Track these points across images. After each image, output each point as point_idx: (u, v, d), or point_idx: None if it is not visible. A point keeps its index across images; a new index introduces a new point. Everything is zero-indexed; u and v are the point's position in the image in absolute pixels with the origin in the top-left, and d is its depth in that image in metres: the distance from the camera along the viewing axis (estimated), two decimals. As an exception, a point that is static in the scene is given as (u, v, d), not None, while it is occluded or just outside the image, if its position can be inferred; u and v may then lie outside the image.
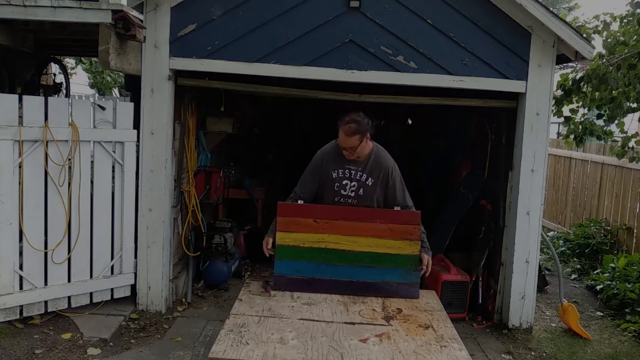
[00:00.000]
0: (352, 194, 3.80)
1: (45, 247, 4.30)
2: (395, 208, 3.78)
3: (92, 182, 4.56)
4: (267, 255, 3.88)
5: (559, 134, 13.50)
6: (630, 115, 6.11)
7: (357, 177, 3.78)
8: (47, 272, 4.32)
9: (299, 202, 3.85)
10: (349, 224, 3.69)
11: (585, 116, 6.34)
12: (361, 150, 3.69)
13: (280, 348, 2.80)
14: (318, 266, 3.62)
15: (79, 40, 5.40)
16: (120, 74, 10.09)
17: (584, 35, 5.08)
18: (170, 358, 4.09)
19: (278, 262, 3.63)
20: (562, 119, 6.27)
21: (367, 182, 3.78)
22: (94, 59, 10.58)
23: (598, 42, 6.14)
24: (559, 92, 6.01)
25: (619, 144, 6.25)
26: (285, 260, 3.64)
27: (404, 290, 3.60)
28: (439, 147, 7.39)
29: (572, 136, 6.39)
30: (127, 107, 4.66)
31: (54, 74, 7.48)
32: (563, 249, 7.68)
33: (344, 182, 3.79)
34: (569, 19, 6.83)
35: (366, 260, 3.64)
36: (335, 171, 3.80)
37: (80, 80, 12.98)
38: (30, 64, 6.41)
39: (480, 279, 5.31)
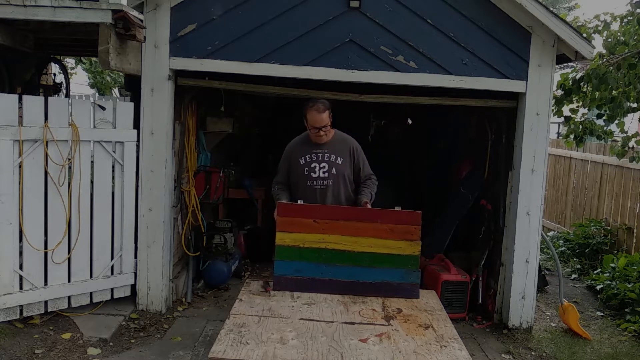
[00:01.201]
0: (325, 175, 4.03)
1: (45, 247, 4.30)
2: (396, 208, 3.77)
3: (92, 182, 4.56)
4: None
5: (559, 134, 13.49)
6: (630, 115, 6.11)
7: (326, 159, 4.05)
8: (47, 272, 4.32)
9: (299, 202, 3.93)
10: (350, 224, 3.69)
11: (585, 116, 6.34)
12: (330, 130, 4.04)
13: (280, 348, 2.80)
14: (318, 266, 3.62)
15: (79, 40, 5.40)
16: (120, 74, 10.09)
17: (584, 35, 5.08)
18: (170, 358, 4.09)
19: (278, 262, 3.64)
20: (562, 119, 6.27)
21: (337, 162, 4.06)
22: (94, 59, 10.58)
23: (598, 42, 6.16)
24: (559, 92, 6.01)
25: (619, 143, 6.25)
26: (285, 260, 3.64)
27: (404, 290, 3.61)
28: (439, 147, 7.38)
29: (572, 136, 6.39)
30: (127, 107, 4.66)
31: (54, 74, 7.48)
32: (563, 249, 7.68)
33: (313, 166, 4.05)
34: (569, 18, 6.83)
35: (366, 260, 3.64)
36: (302, 157, 4.09)
37: (80, 80, 12.98)
38: (30, 64, 6.41)
39: (480, 278, 5.32)
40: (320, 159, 4.05)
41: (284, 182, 4.25)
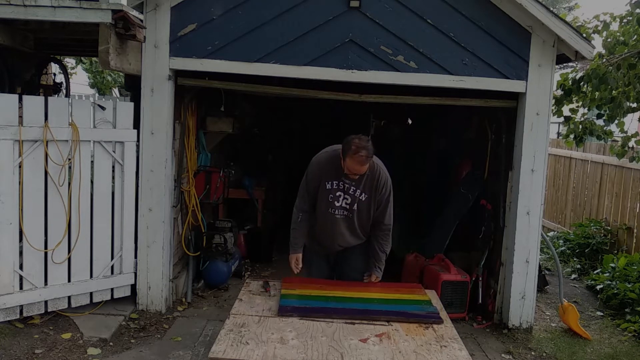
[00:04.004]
0: (347, 206, 3.77)
1: (45, 247, 4.30)
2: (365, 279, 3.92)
3: (92, 182, 4.56)
4: (296, 272, 3.95)
5: (559, 133, 13.49)
6: (630, 115, 6.11)
7: (351, 192, 3.74)
8: (47, 272, 4.32)
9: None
10: (356, 285, 3.82)
11: (585, 116, 6.34)
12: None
13: (280, 348, 2.80)
14: (327, 302, 3.45)
15: (79, 40, 5.40)
16: (120, 73, 10.09)
17: (584, 35, 5.08)
18: (170, 358, 4.09)
19: (283, 300, 3.44)
20: (562, 119, 6.27)
21: (361, 198, 3.74)
22: (94, 59, 10.58)
23: (598, 42, 6.15)
24: (559, 92, 6.01)
25: (619, 143, 6.25)
26: (291, 299, 3.47)
27: (423, 317, 3.33)
28: (439, 147, 7.39)
29: (572, 136, 6.39)
30: (127, 107, 4.66)
31: (54, 74, 7.47)
32: (563, 248, 7.68)
33: (338, 194, 3.75)
34: (569, 18, 6.83)
35: (377, 301, 3.54)
36: (330, 182, 3.75)
37: (80, 80, 12.97)
38: (30, 64, 6.40)
39: (480, 278, 5.32)
40: (346, 190, 3.73)
41: (308, 211, 3.89)
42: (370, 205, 3.77)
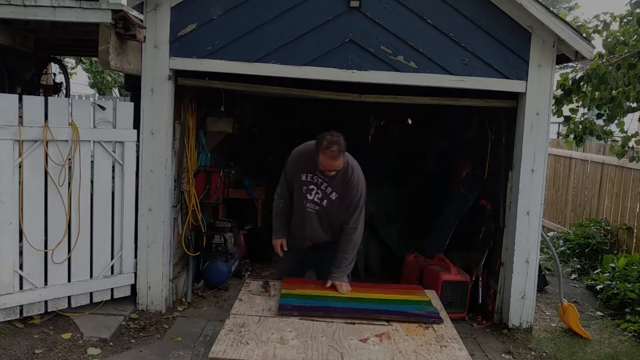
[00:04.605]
0: (318, 201, 3.78)
1: (45, 247, 4.30)
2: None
3: (92, 182, 4.56)
4: (282, 255, 4.01)
5: (559, 133, 13.49)
6: (630, 115, 6.11)
7: (323, 188, 3.75)
8: (47, 272, 4.32)
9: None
10: (355, 285, 3.79)
11: (585, 116, 6.34)
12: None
13: (280, 348, 2.81)
14: (326, 301, 3.47)
15: (79, 40, 5.40)
16: (120, 74, 10.09)
17: (584, 35, 5.09)
18: (170, 358, 4.09)
19: (283, 299, 3.45)
20: (562, 119, 6.27)
21: (331, 196, 3.75)
22: (94, 59, 10.58)
23: (598, 41, 6.15)
24: (559, 92, 6.01)
25: (619, 143, 6.25)
26: (291, 298, 3.49)
27: (423, 317, 3.32)
28: (439, 147, 7.39)
29: (572, 136, 6.39)
30: (127, 107, 4.66)
31: (54, 74, 7.47)
32: (563, 249, 7.68)
33: (311, 187, 3.78)
34: (569, 18, 6.83)
35: (377, 301, 3.53)
36: (305, 174, 3.79)
37: (80, 80, 12.97)
38: (30, 64, 6.40)
39: (480, 278, 5.32)
40: (318, 185, 3.76)
41: (286, 198, 3.96)
42: (341, 206, 3.75)
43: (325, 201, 3.77)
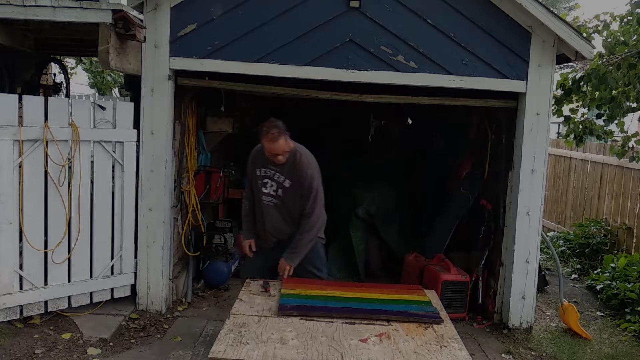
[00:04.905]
0: (274, 193, 3.91)
1: (45, 247, 4.30)
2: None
3: (92, 182, 4.56)
4: (250, 255, 4.11)
5: (559, 133, 13.50)
6: (630, 115, 6.11)
7: (276, 178, 3.89)
8: (47, 272, 4.32)
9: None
10: (355, 285, 3.85)
11: (585, 116, 6.34)
12: (288, 152, 3.81)
13: (280, 348, 2.81)
14: (326, 301, 3.46)
15: (79, 40, 5.40)
16: (120, 73, 10.09)
17: (584, 35, 5.09)
18: (170, 358, 4.09)
19: (283, 299, 3.46)
20: (562, 119, 6.27)
21: (285, 184, 3.87)
22: (94, 59, 10.58)
23: (598, 41, 6.16)
24: (559, 92, 6.01)
25: (619, 143, 6.25)
26: (291, 298, 3.49)
27: (423, 317, 3.32)
28: (439, 147, 7.38)
29: (572, 136, 6.39)
30: (127, 107, 4.66)
31: (54, 74, 7.48)
32: (563, 248, 7.68)
33: (265, 181, 3.93)
34: (569, 18, 6.83)
35: (377, 301, 3.52)
36: (259, 170, 3.96)
37: (80, 80, 12.98)
38: (30, 64, 6.41)
39: (480, 278, 5.31)
40: (271, 176, 3.91)
41: (251, 199, 4.12)
42: (295, 192, 3.85)
43: (280, 190, 3.88)
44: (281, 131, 3.72)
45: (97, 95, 13.15)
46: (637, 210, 6.96)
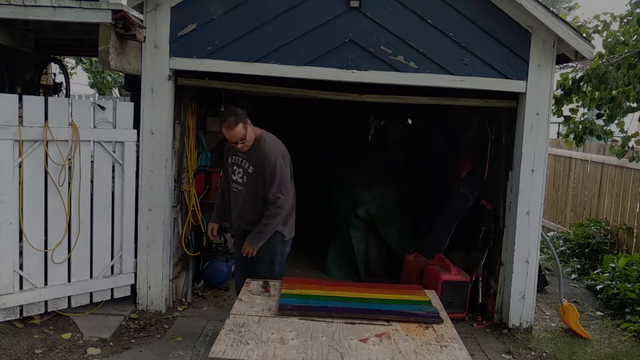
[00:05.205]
0: (240, 180, 3.98)
1: (45, 247, 4.30)
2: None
3: (92, 182, 4.56)
4: (213, 240, 4.23)
5: (559, 133, 13.49)
6: (630, 115, 6.11)
7: (243, 164, 3.96)
8: (47, 272, 4.33)
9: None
10: (355, 285, 3.83)
11: (585, 116, 6.34)
12: (250, 139, 3.85)
13: (280, 348, 2.80)
14: (326, 301, 3.46)
15: (79, 40, 5.40)
16: (120, 73, 10.10)
17: (584, 35, 5.09)
18: (170, 358, 4.09)
19: (283, 299, 3.46)
20: (562, 119, 6.27)
21: (249, 170, 3.93)
22: (94, 59, 10.59)
23: (598, 41, 6.16)
24: (559, 92, 6.01)
25: (619, 143, 6.25)
26: (291, 298, 3.49)
27: (423, 317, 3.31)
28: (439, 147, 7.38)
29: (572, 136, 6.39)
30: (127, 107, 4.66)
31: (54, 74, 7.48)
32: (563, 248, 7.68)
33: (234, 168, 4.02)
34: (569, 18, 6.83)
35: (377, 301, 3.52)
36: (231, 157, 4.06)
37: (80, 80, 12.99)
38: (30, 64, 6.41)
39: (480, 278, 5.32)
40: (239, 163, 3.98)
41: (224, 187, 4.26)
42: (258, 178, 3.89)
43: (245, 177, 3.95)
44: (239, 118, 3.76)
45: (97, 95, 13.16)
46: (637, 210, 6.96)
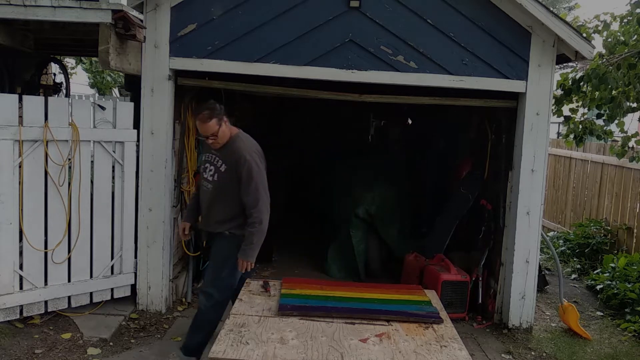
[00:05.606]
0: (210, 178, 3.81)
1: (45, 247, 4.30)
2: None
3: (92, 182, 4.56)
4: (184, 239, 4.10)
5: (559, 133, 13.49)
6: (630, 115, 6.11)
7: (215, 162, 3.79)
8: (47, 272, 4.33)
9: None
10: (355, 285, 3.81)
11: (585, 116, 6.34)
12: (222, 135, 3.70)
13: (280, 348, 2.81)
14: (326, 301, 3.47)
15: (79, 40, 5.40)
16: (120, 73, 10.10)
17: (584, 35, 5.09)
18: (170, 358, 4.09)
19: (283, 299, 3.47)
20: (562, 119, 6.27)
21: (221, 169, 3.75)
22: (94, 59, 10.59)
23: (598, 41, 6.16)
24: (559, 92, 6.01)
25: (619, 143, 6.25)
26: (291, 298, 3.50)
27: (423, 317, 3.32)
28: (439, 147, 7.39)
29: (572, 136, 6.39)
30: (127, 107, 4.66)
31: (54, 74, 7.48)
32: (563, 248, 7.68)
33: (206, 165, 3.85)
34: (569, 18, 6.83)
35: (377, 301, 3.52)
36: (205, 155, 3.92)
37: (80, 80, 12.99)
38: (30, 64, 6.41)
39: (480, 278, 5.32)
40: (212, 160, 3.82)
41: (199, 186, 4.05)
42: (230, 177, 3.69)
43: (216, 175, 3.77)
44: (214, 113, 3.64)
45: (97, 95, 13.16)
46: (637, 210, 6.96)
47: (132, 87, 5.43)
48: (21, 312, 4.23)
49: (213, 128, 3.64)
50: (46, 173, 4.23)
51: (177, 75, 4.81)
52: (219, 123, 3.66)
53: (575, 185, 8.84)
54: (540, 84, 4.75)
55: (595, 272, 6.69)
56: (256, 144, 3.91)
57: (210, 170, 3.80)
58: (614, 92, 5.63)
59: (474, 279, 5.30)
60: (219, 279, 3.79)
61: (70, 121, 4.32)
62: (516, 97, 4.90)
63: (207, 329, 3.83)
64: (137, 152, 4.71)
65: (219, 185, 3.76)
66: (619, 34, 5.95)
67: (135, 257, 4.79)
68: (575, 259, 7.40)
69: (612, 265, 6.35)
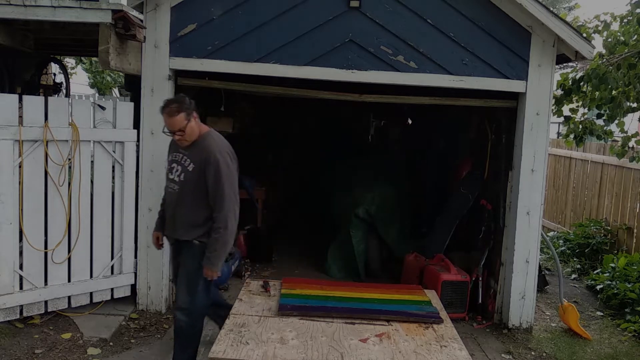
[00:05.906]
0: (177, 179, 3.54)
1: (45, 247, 4.30)
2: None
3: (92, 182, 4.56)
4: (157, 249, 3.85)
5: (559, 133, 13.49)
6: (630, 115, 6.11)
7: (182, 161, 3.53)
8: (47, 272, 4.33)
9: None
10: (355, 285, 3.81)
11: (585, 116, 6.34)
12: (190, 132, 3.47)
13: (280, 348, 2.81)
14: (326, 301, 3.47)
15: (79, 40, 5.41)
16: (120, 73, 10.11)
17: (584, 35, 5.09)
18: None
19: (283, 299, 3.47)
20: (562, 119, 6.27)
21: (189, 168, 3.49)
22: (94, 59, 10.60)
23: (598, 41, 6.16)
24: (559, 92, 6.01)
25: (619, 143, 6.25)
26: (292, 298, 3.51)
27: (423, 317, 3.33)
28: (438, 147, 7.39)
29: (572, 136, 6.39)
30: (127, 107, 4.66)
31: (54, 74, 7.48)
32: (563, 248, 7.68)
33: (173, 165, 3.59)
34: (569, 18, 6.83)
35: (377, 301, 3.52)
36: (171, 154, 3.66)
37: (80, 80, 12.99)
38: (30, 64, 6.41)
39: (480, 278, 5.31)
40: (179, 160, 3.55)
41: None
42: (198, 178, 3.45)
43: (182, 175, 3.50)
44: (182, 107, 3.42)
45: (97, 95, 13.16)
46: (637, 210, 6.96)
47: (132, 87, 5.43)
48: (21, 312, 4.23)
49: (180, 123, 3.40)
50: (46, 173, 4.23)
51: (177, 75, 4.81)
52: (188, 118, 3.44)
53: (575, 185, 8.84)
54: (540, 84, 4.75)
55: (595, 272, 6.69)
56: (228, 143, 3.64)
57: (177, 170, 3.53)
58: (614, 92, 5.63)
59: (474, 279, 5.29)
60: (193, 294, 3.55)
61: (70, 121, 4.32)
62: (516, 97, 4.90)
63: (195, 345, 3.67)
64: (137, 152, 4.70)
65: (186, 187, 3.50)
66: (619, 34, 5.94)
67: (135, 257, 4.79)
68: (575, 259, 7.40)
69: (612, 265, 6.35)
